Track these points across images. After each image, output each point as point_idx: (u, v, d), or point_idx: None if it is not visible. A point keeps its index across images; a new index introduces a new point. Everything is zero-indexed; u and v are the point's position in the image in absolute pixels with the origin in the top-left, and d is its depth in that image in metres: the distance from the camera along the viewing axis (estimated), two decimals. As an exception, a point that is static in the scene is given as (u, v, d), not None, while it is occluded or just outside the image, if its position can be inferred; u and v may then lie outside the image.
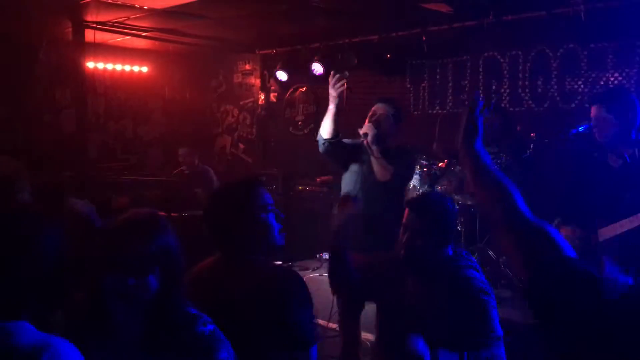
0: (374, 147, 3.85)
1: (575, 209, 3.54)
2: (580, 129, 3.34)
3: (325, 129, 3.99)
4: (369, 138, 3.84)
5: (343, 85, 3.99)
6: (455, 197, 5.47)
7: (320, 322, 4.52)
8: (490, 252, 5.11)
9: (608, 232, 3.29)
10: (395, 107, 4.08)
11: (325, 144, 4.00)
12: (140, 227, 1.70)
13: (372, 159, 3.89)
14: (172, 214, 6.42)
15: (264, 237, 2.19)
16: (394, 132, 4.00)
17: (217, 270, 2.22)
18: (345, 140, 4.07)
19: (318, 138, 4.08)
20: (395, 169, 3.88)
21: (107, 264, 1.64)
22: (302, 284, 2.19)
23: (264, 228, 2.19)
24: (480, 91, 1.84)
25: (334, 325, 4.05)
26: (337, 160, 4.17)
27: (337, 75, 4.00)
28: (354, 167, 4.03)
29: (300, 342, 2.06)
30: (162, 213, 6.65)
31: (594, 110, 3.36)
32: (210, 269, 2.25)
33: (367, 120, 3.97)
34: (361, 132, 3.89)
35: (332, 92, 3.96)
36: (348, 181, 4.06)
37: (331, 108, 3.98)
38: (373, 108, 4.05)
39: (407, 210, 2.72)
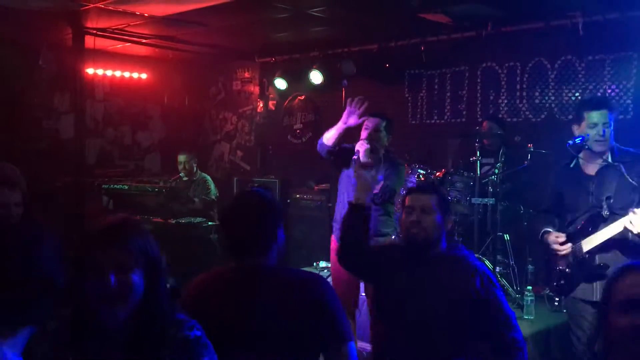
0: (364, 162, 3.98)
1: (561, 220, 3.58)
2: (578, 140, 3.35)
3: (329, 138, 4.31)
4: (362, 157, 4.02)
5: (360, 111, 4.25)
6: (453, 207, 5.48)
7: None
8: (488, 262, 5.11)
9: (591, 242, 3.31)
10: (386, 119, 4.28)
11: (325, 149, 4.34)
12: (115, 229, 1.71)
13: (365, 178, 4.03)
14: (169, 221, 6.41)
15: (282, 246, 2.28)
16: (385, 143, 4.22)
17: (239, 279, 2.21)
18: (345, 145, 4.32)
19: (320, 141, 4.35)
20: (384, 182, 4.05)
21: (87, 266, 1.65)
22: (329, 284, 2.29)
23: (282, 236, 2.28)
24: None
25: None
26: (333, 163, 4.48)
27: (357, 101, 4.27)
28: (349, 173, 4.21)
29: (342, 337, 2.11)
30: (158, 219, 6.64)
31: (600, 116, 3.35)
32: (229, 279, 2.23)
33: (361, 134, 4.18)
34: (356, 147, 4.09)
35: (351, 121, 4.24)
36: (342, 185, 4.34)
37: (342, 125, 4.26)
38: (365, 122, 4.25)
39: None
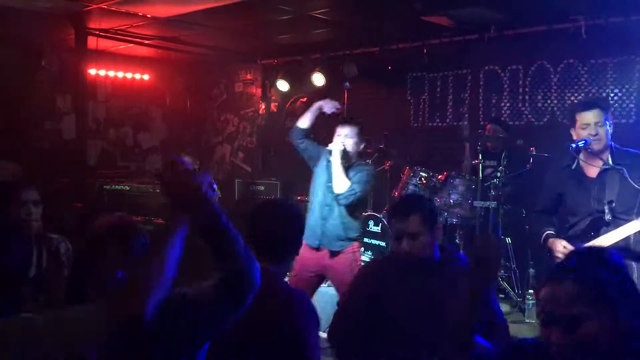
0: (336, 162, 4.18)
1: (563, 223, 3.56)
2: (581, 144, 3.33)
3: (304, 120, 4.48)
4: (333, 156, 4.20)
5: (336, 109, 4.54)
6: (455, 210, 5.47)
7: (321, 334, 4.50)
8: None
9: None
10: (358, 127, 4.40)
11: (297, 132, 4.49)
12: (123, 229, 1.78)
13: (333, 170, 4.22)
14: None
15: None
16: (357, 150, 4.35)
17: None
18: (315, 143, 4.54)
19: (293, 128, 4.55)
20: (352, 185, 4.16)
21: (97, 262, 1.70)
22: (313, 308, 2.31)
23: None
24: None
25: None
26: (303, 151, 4.57)
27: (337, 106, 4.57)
28: (320, 172, 4.41)
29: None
30: (160, 221, 6.64)
31: (591, 115, 3.35)
32: None
33: (334, 139, 4.32)
34: (329, 147, 4.27)
35: (326, 108, 4.50)
36: (314, 184, 4.47)
37: (317, 107, 4.52)
38: (338, 128, 4.37)
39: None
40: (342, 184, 4.17)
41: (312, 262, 4.14)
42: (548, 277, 1.58)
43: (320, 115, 4.56)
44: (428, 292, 2.62)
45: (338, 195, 4.19)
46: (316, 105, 4.55)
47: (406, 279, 2.68)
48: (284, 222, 2.37)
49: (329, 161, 4.30)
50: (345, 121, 4.45)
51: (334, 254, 4.21)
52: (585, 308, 1.44)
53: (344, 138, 4.28)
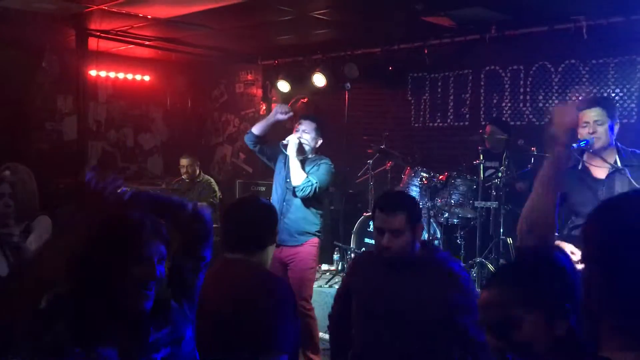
0: (291, 155, 4.39)
1: (565, 222, 3.55)
2: (582, 143, 3.33)
3: (259, 128, 4.70)
4: (289, 148, 4.40)
5: (287, 115, 4.73)
6: (456, 210, 5.46)
7: (321, 334, 4.50)
8: (490, 266, 5.09)
9: None
10: (317, 123, 4.60)
11: (249, 137, 4.73)
12: (158, 223, 1.87)
13: (290, 163, 4.41)
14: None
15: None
16: (314, 145, 4.54)
17: (217, 270, 2.39)
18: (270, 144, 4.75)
19: (248, 132, 4.78)
20: (308, 177, 4.34)
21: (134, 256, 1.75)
22: (288, 292, 2.42)
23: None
24: None
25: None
26: (260, 155, 4.82)
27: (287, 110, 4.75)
28: (279, 169, 4.60)
29: (274, 347, 2.19)
30: (161, 221, 6.62)
31: (590, 114, 3.33)
32: (214, 268, 2.33)
33: (294, 131, 4.55)
34: (284, 141, 4.46)
35: (279, 115, 4.69)
36: (275, 185, 4.65)
37: (273, 114, 4.73)
38: (296, 125, 4.60)
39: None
40: (298, 175, 4.33)
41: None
42: (485, 283, 1.57)
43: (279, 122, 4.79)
44: (399, 289, 2.64)
45: (295, 187, 4.33)
46: (272, 113, 4.78)
47: (379, 274, 2.72)
48: (254, 216, 2.50)
49: (286, 156, 4.47)
50: (304, 117, 4.64)
51: (293, 247, 4.33)
52: (518, 312, 1.41)
53: (302, 132, 4.46)
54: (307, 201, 4.45)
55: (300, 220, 4.38)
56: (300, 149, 4.43)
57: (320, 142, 4.57)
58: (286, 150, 4.43)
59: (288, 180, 4.46)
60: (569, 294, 1.43)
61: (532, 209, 2.04)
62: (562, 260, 1.50)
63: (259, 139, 4.70)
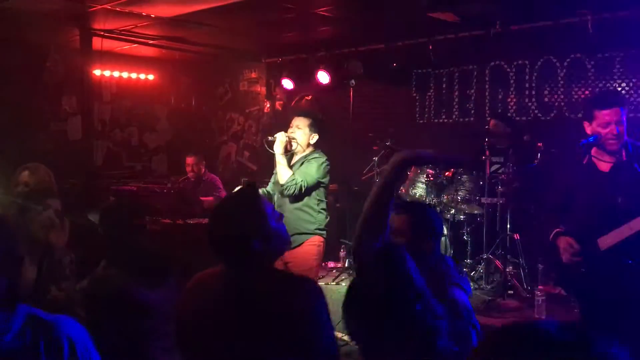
0: (277, 152, 4.26)
1: (573, 218, 3.52)
2: (591, 139, 3.30)
3: (283, 176, 4.28)
4: (275, 145, 4.28)
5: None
6: (462, 206, 5.45)
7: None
8: (497, 262, 5.08)
9: (608, 240, 3.25)
10: (312, 119, 4.45)
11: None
12: None
13: (276, 161, 4.31)
14: (177, 222, 6.40)
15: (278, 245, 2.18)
16: (307, 141, 4.39)
17: (230, 281, 2.11)
18: None
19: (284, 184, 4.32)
20: (293, 175, 4.22)
21: None
22: (322, 296, 2.13)
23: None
24: None
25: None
26: None
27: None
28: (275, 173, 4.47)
29: (322, 354, 1.99)
30: (167, 220, 6.63)
31: (612, 114, 3.27)
32: (219, 280, 2.15)
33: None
34: (270, 137, 4.35)
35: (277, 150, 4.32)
36: (273, 179, 4.52)
37: (281, 161, 4.31)
38: (292, 121, 4.44)
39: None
40: (284, 174, 4.23)
41: None
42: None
43: None
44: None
45: (282, 186, 4.24)
46: (280, 159, 4.43)
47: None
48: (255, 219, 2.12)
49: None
50: (298, 112, 4.53)
51: (292, 250, 4.05)
52: None
53: (295, 129, 4.37)
54: (300, 200, 4.30)
55: (294, 222, 4.17)
56: (289, 145, 4.33)
57: (315, 137, 4.40)
58: (271, 148, 4.31)
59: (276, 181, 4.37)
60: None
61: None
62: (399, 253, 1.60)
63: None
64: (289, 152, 4.32)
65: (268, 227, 2.14)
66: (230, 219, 2.11)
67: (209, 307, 2.07)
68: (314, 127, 4.42)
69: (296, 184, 4.18)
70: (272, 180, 4.51)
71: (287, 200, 4.27)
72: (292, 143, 4.35)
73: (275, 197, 4.40)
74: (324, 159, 4.37)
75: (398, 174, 2.13)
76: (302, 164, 4.32)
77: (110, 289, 2.68)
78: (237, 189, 2.46)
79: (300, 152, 4.38)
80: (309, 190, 4.27)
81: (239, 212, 2.13)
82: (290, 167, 4.31)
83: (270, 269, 2.18)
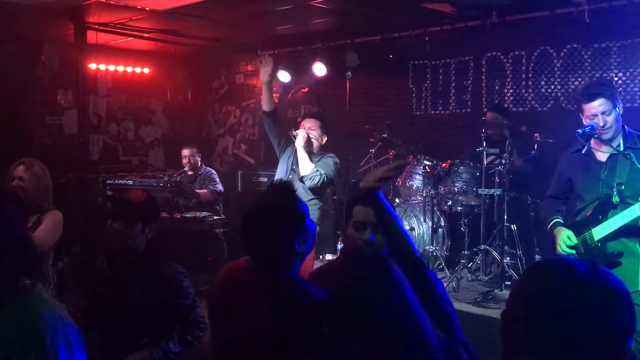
0: (300, 145, 4.66)
1: (569, 207, 3.55)
2: (587, 129, 3.30)
3: (265, 102, 4.97)
4: (298, 138, 4.67)
5: (268, 65, 5.08)
6: (459, 197, 5.45)
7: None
8: (495, 253, 5.08)
9: (602, 230, 3.27)
10: (321, 121, 4.90)
11: (264, 116, 5.01)
12: None
13: (298, 154, 4.68)
14: (175, 215, 6.40)
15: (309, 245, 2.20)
16: (320, 142, 4.83)
17: (264, 278, 2.16)
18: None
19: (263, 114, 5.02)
20: (315, 167, 4.60)
21: None
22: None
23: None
24: None
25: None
26: (272, 133, 5.01)
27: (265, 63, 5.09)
28: (284, 159, 4.87)
29: None
30: (165, 214, 6.65)
31: (597, 106, 3.29)
32: (251, 276, 2.18)
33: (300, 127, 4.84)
34: (293, 132, 4.73)
35: (263, 77, 5.01)
36: (279, 171, 4.90)
37: (263, 83, 5.03)
38: (302, 122, 4.91)
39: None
40: (306, 165, 4.59)
41: None
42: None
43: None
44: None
45: (303, 176, 4.57)
46: (262, 82, 5.12)
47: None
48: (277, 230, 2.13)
49: (293, 149, 4.75)
50: (309, 114, 4.87)
51: None
52: None
53: (308, 130, 4.75)
54: (310, 192, 4.60)
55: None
56: (309, 142, 4.71)
57: (325, 139, 4.83)
58: (295, 140, 4.67)
59: (294, 167, 4.69)
60: None
61: None
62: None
63: (269, 115, 4.99)
64: (309, 149, 4.71)
65: (306, 227, 2.14)
66: (274, 222, 2.06)
67: (241, 298, 2.14)
68: (324, 129, 4.85)
69: (320, 175, 4.56)
70: (282, 171, 4.86)
71: (299, 186, 4.54)
72: (313, 141, 4.75)
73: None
74: (337, 159, 4.82)
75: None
76: (320, 159, 4.70)
77: None
78: (268, 187, 2.35)
79: (314, 152, 4.78)
80: (325, 184, 4.67)
81: (282, 216, 2.09)
82: None
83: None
